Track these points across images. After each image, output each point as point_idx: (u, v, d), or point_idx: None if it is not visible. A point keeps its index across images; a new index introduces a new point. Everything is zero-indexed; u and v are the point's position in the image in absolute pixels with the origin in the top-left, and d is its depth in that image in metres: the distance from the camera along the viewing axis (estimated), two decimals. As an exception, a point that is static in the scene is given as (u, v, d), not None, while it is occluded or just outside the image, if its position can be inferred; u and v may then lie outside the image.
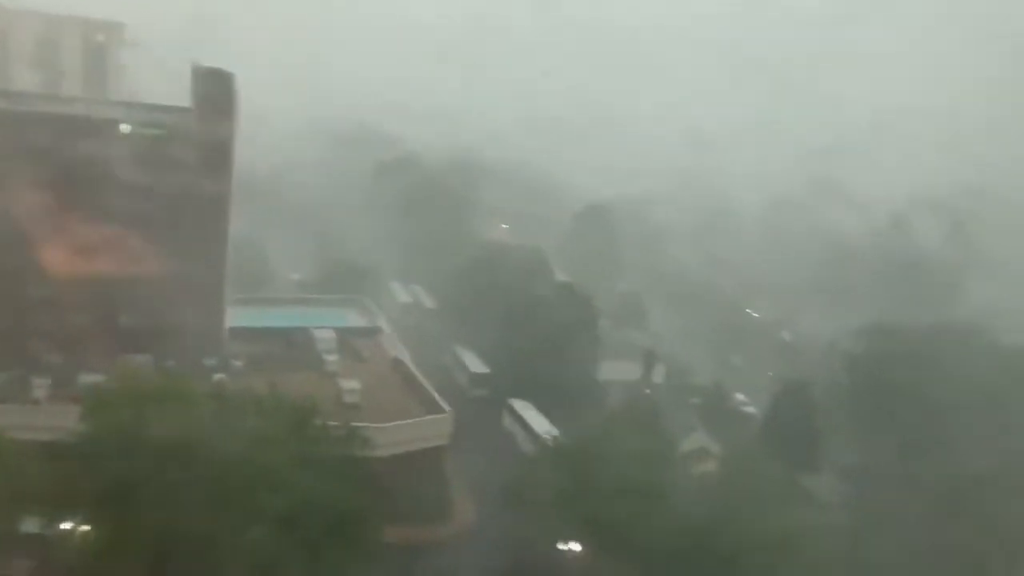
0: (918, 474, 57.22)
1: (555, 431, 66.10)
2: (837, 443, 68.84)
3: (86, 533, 43.91)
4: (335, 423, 49.50)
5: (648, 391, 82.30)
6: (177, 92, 67.09)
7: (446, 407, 63.21)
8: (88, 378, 56.06)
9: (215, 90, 62.65)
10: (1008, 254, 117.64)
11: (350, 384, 63.83)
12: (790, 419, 65.28)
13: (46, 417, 51.62)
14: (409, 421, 60.83)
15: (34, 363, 58.98)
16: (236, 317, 69.00)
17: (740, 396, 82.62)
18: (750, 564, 46.55)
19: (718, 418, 72.71)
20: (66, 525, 44.04)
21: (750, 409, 79.69)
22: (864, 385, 70.37)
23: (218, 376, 61.77)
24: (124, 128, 61.78)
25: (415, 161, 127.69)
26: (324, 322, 75.17)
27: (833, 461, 68.68)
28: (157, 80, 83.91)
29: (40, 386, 57.28)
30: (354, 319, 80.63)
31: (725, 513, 49.48)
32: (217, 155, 62.31)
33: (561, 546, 53.12)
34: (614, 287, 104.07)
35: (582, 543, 52.41)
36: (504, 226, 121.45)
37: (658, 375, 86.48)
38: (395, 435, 58.58)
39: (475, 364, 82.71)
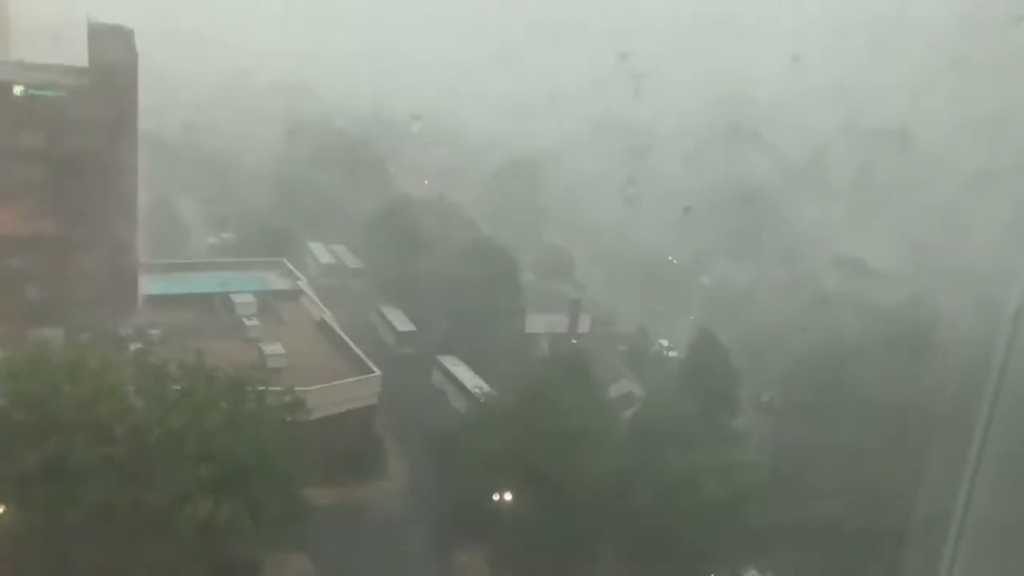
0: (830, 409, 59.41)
1: (485, 385, 66.49)
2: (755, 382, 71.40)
3: (2, 514, 42.41)
4: (261, 388, 48.62)
5: (575, 341, 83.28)
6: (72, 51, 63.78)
7: (373, 367, 62.79)
8: (-5, 354, 53.66)
9: (114, 48, 59.70)
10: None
11: (273, 348, 62.67)
12: (707, 361, 66.99)
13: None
14: (336, 383, 60.15)
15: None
16: (151, 284, 66.80)
17: (664, 342, 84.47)
18: (675, 501, 48.32)
19: (643, 364, 74.23)
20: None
21: (673, 354, 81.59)
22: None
23: (135, 346, 59.89)
24: (17, 90, 58.51)
25: (332, 119, 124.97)
26: (243, 286, 73.36)
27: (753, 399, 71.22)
28: (49, 38, 79.27)
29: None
30: (275, 282, 78.96)
31: (651, 455, 51.00)
32: (119, 116, 59.58)
33: (495, 497, 53.73)
34: (538, 240, 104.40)
35: (515, 494, 53.10)
36: (426, 183, 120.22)
37: (584, 325, 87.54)
38: (323, 398, 57.79)
39: (401, 322, 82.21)
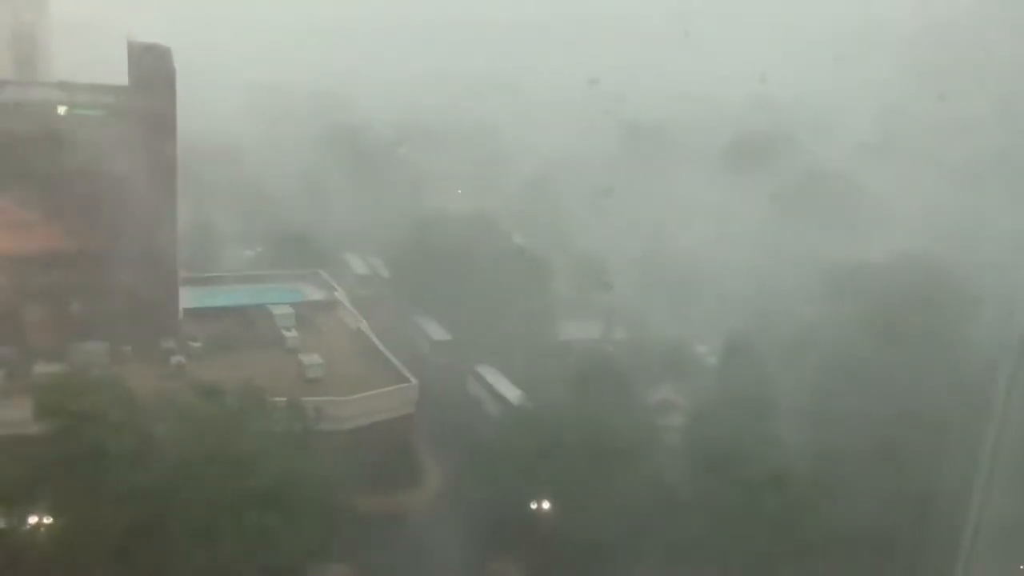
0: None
1: (520, 394, 66.53)
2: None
3: (51, 527, 43.35)
4: (299, 399, 49.28)
5: (610, 348, 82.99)
6: (114, 71, 65.36)
7: (410, 376, 63.22)
8: (43, 368, 54.93)
9: (152, 66, 61.03)
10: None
11: (311, 359, 63.43)
12: (742, 368, 66.24)
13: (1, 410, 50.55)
14: (373, 392, 60.69)
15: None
16: (191, 297, 67.98)
17: (701, 347, 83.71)
18: (723, 513, 47.66)
19: (680, 370, 73.56)
20: (31, 520, 43.38)
21: (711, 360, 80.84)
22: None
23: (176, 359, 60.98)
24: (61, 110, 60.01)
25: (365, 130, 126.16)
26: (281, 298, 74.37)
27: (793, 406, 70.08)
28: (92, 59, 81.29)
29: (-7, 378, 56.06)
30: (311, 293, 79.89)
31: (690, 464, 50.50)
32: (159, 132, 60.86)
33: (533, 506, 53.72)
34: (570, 247, 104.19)
35: (553, 503, 53.06)
36: (459, 192, 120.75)
37: (619, 332, 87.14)
38: (360, 407, 58.52)
39: (436, 332, 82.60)
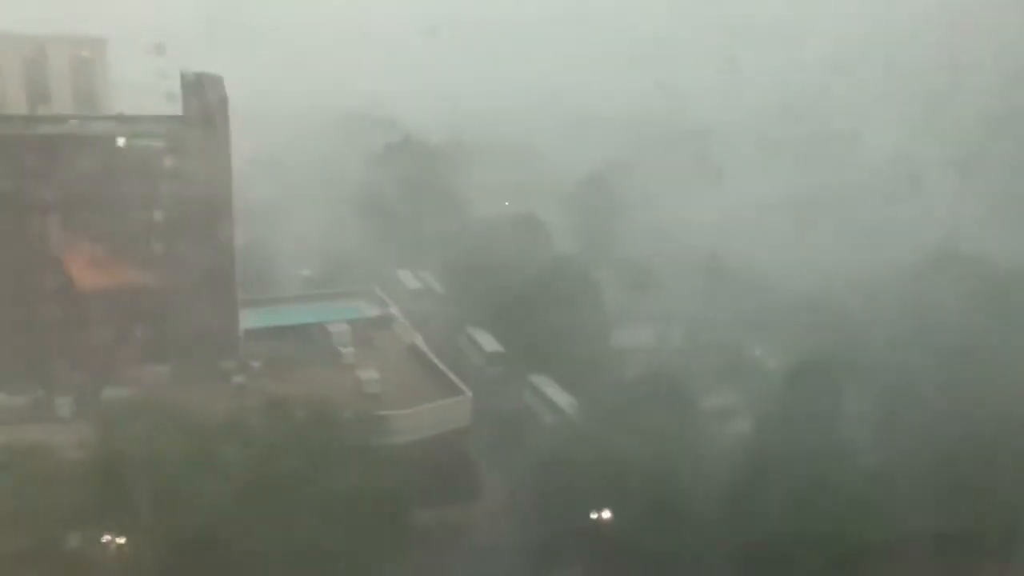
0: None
1: (576, 403, 66.37)
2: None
3: (121, 546, 44.68)
4: (358, 414, 50.05)
5: (665, 354, 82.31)
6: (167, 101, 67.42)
7: (465, 389, 63.64)
8: (111, 393, 56.64)
9: (205, 95, 62.69)
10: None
11: (368, 374, 64.33)
12: (807, 372, 65.10)
13: (72, 435, 52.14)
14: (430, 406, 61.27)
15: (56, 382, 59.60)
16: (250, 318, 69.35)
17: (758, 351, 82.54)
18: (791, 522, 46.74)
19: (739, 376, 72.60)
20: (105, 538, 44.75)
21: (770, 363, 79.67)
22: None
23: (237, 379, 62.32)
24: (120, 142, 61.96)
25: (411, 145, 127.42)
26: (337, 315, 75.44)
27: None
28: (147, 91, 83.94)
29: (63, 404, 57.90)
30: (366, 310, 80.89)
31: (757, 472, 49.62)
32: (213, 159, 62.42)
33: (593, 516, 53.51)
34: (621, 253, 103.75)
35: (611, 513, 52.77)
36: (506, 203, 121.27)
37: (674, 337, 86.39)
38: (417, 421, 59.13)
39: (489, 344, 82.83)
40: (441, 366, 67.66)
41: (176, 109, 65.67)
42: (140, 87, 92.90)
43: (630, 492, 50.28)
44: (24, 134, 62.01)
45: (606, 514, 52.86)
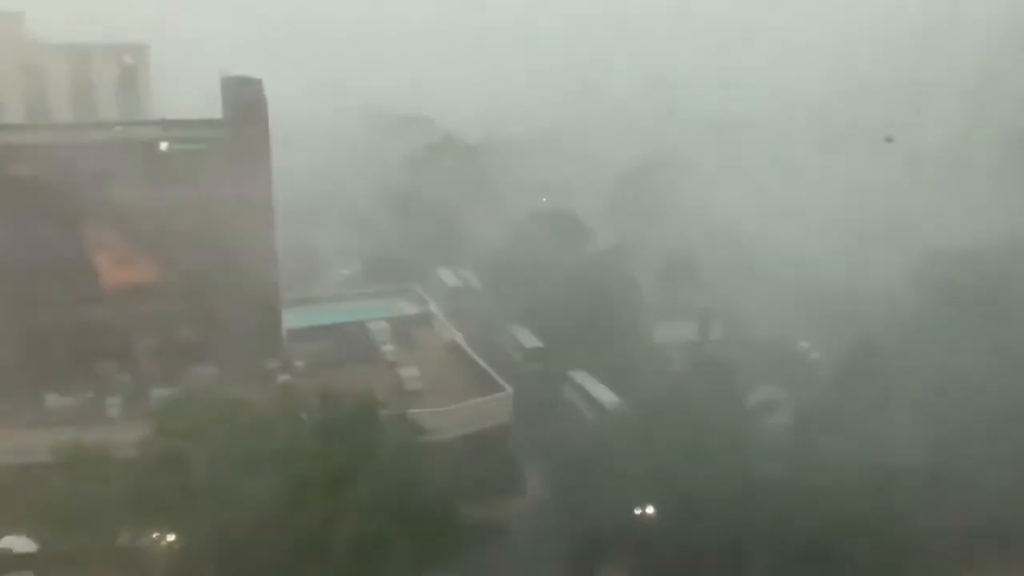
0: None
1: (617, 399, 66.08)
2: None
3: (171, 544, 45.54)
4: (400, 411, 50.38)
5: (708, 348, 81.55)
6: (208, 104, 68.33)
7: (505, 385, 63.73)
8: (159, 393, 57.73)
9: (245, 98, 63.46)
10: None
11: (409, 372, 64.75)
12: (857, 363, 64.09)
13: (122, 435, 53.22)
14: (470, 402, 61.44)
15: (105, 383, 60.93)
16: (293, 318, 70.18)
17: (804, 344, 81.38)
18: (841, 513, 46.01)
19: (783, 369, 71.57)
20: (155, 536, 45.66)
21: (815, 356, 78.51)
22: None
23: (282, 377, 63.12)
24: (163, 146, 63.03)
25: (449, 144, 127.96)
26: (377, 314, 76.03)
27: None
28: (188, 95, 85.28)
29: (113, 405, 59.15)
30: (406, 308, 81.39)
31: (803, 465, 48.90)
32: (254, 161, 63.13)
33: (636, 512, 53.22)
34: (662, 246, 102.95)
35: (656, 508, 52.42)
36: (544, 199, 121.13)
37: (717, 331, 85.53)
38: (459, 417, 59.37)
39: (529, 340, 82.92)
40: (481, 363, 67.80)
41: (216, 112, 66.47)
42: (181, 92, 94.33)
43: (673, 487, 49.86)
44: (71, 141, 63.28)
45: (650, 510, 52.53)
